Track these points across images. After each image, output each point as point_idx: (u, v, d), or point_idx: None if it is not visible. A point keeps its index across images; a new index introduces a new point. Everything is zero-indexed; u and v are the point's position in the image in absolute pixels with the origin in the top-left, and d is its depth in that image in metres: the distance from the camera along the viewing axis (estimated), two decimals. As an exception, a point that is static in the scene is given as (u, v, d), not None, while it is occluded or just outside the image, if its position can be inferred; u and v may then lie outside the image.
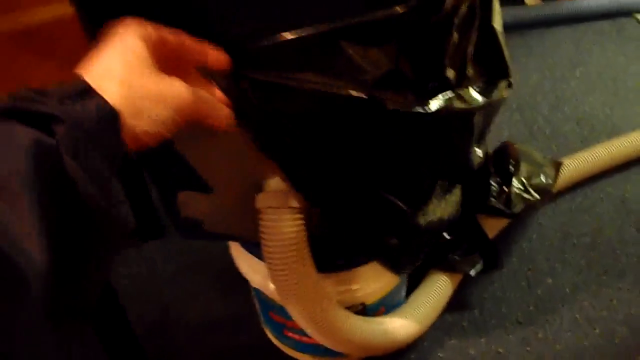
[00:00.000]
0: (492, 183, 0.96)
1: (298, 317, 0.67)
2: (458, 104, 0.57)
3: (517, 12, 1.49)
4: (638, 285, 0.91)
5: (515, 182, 0.96)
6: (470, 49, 0.58)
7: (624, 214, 1.02)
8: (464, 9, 0.54)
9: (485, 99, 0.61)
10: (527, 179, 0.99)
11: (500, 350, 0.85)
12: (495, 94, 0.63)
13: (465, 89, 0.58)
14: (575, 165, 1.06)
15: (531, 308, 0.90)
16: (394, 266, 0.70)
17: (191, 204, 0.66)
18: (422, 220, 0.66)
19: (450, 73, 0.56)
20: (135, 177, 0.98)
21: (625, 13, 1.52)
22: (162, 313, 0.94)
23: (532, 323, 0.88)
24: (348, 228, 0.64)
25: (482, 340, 0.86)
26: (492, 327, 0.87)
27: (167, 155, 0.60)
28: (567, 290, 0.91)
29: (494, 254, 0.90)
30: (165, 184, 0.67)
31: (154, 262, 1.01)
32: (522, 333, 0.87)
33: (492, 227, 0.96)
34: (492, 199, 0.94)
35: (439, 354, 0.85)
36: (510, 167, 0.99)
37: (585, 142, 1.16)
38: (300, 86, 0.51)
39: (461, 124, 0.61)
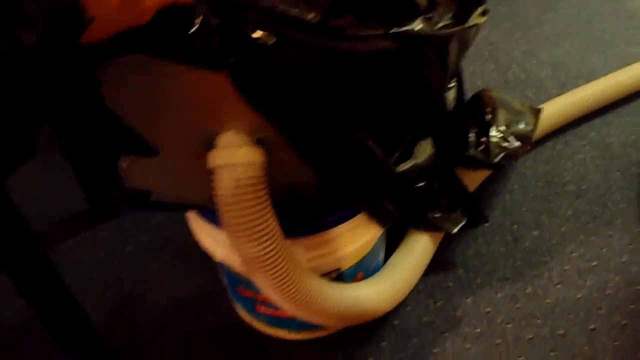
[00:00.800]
0: (469, 133, 0.90)
1: (266, 288, 0.60)
2: (428, 30, 0.50)
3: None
4: (628, 231, 0.86)
5: (493, 131, 0.90)
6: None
7: (608, 159, 0.97)
8: None
9: (459, 25, 0.54)
10: (506, 126, 0.93)
11: (488, 309, 0.79)
12: (470, 21, 0.56)
13: (437, 15, 0.51)
14: (554, 110, 1.00)
15: (518, 263, 0.84)
16: (373, 213, 0.64)
17: (135, 171, 0.58)
18: (396, 165, 0.60)
19: (419, -4, 0.49)
20: (83, 154, 0.89)
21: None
22: (123, 298, 0.86)
23: (520, 279, 0.82)
24: (322, 171, 0.57)
25: (469, 300, 0.80)
26: (478, 286, 0.82)
27: (101, 115, 0.52)
28: (554, 241, 0.86)
29: (475, 208, 0.84)
30: (104, 150, 0.59)
31: (110, 244, 0.93)
32: (510, 290, 0.81)
33: (472, 180, 0.90)
34: (471, 149, 0.88)
35: (423, 318, 0.79)
36: (487, 115, 0.92)
37: (563, 88, 1.10)
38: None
39: (433, 55, 0.54)
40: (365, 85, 0.51)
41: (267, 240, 0.56)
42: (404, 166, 0.63)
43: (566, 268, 0.83)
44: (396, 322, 0.78)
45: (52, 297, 0.66)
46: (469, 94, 0.96)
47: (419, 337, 0.77)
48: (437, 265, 0.83)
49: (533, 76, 1.13)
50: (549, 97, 1.04)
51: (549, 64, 1.16)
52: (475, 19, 0.57)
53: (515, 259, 0.85)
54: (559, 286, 0.81)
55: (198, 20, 0.46)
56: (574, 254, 0.84)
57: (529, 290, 0.81)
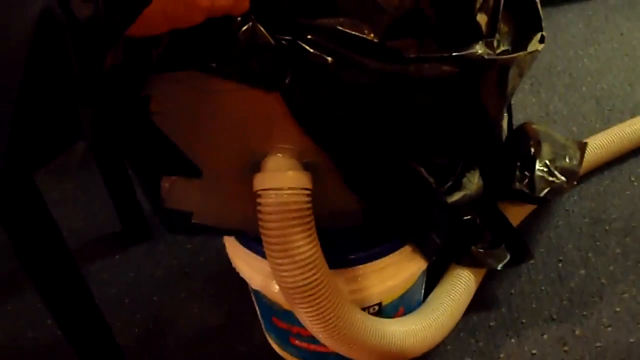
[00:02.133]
0: (513, 172, 0.87)
1: (306, 320, 0.57)
2: (490, 55, 0.48)
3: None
4: (683, 272, 0.82)
5: (538, 165, 0.87)
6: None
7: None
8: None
9: (519, 51, 0.51)
10: (551, 161, 0.89)
11: (534, 351, 0.75)
12: (529, 47, 0.53)
13: (498, 40, 0.49)
14: (600, 145, 0.97)
15: (565, 302, 0.80)
16: (419, 246, 0.60)
17: (177, 191, 0.56)
18: (447, 196, 0.57)
19: (482, 19, 0.47)
20: (118, 175, 0.88)
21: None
22: (152, 322, 0.84)
23: (568, 319, 0.78)
24: (369, 199, 0.54)
25: (513, 341, 0.76)
26: (523, 326, 0.78)
27: (146, 132, 0.51)
28: (604, 281, 0.82)
29: (520, 244, 0.80)
30: (146, 169, 0.57)
31: (141, 267, 0.91)
32: (557, 331, 0.77)
33: (516, 214, 0.86)
34: (516, 183, 0.85)
35: (464, 358, 0.75)
36: (532, 148, 0.89)
37: (607, 122, 1.07)
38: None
39: (493, 80, 0.51)
40: (423, 110, 0.49)
41: (311, 269, 0.54)
42: (455, 197, 0.60)
43: (617, 309, 0.79)
44: (436, 361, 0.75)
45: (82, 318, 0.64)
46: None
47: (460, 379, 0.73)
48: (480, 303, 0.80)
49: (576, 110, 1.10)
50: (592, 132, 1.01)
51: (592, 97, 1.13)
52: (534, 45, 0.55)
53: (562, 299, 0.81)
54: (610, 329, 0.77)
55: (252, 37, 0.45)
56: (625, 295, 0.80)
57: (578, 332, 0.77)
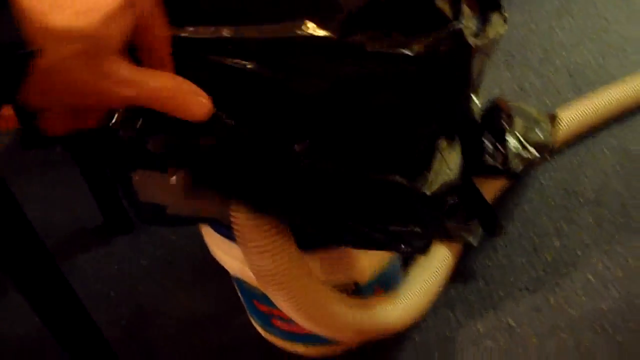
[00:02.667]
0: (486, 141, 0.88)
1: (281, 303, 0.59)
2: (454, 43, 0.48)
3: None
4: (652, 239, 0.84)
5: (510, 139, 0.89)
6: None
7: (629, 166, 0.94)
8: None
9: (484, 35, 0.52)
10: (523, 135, 0.91)
11: (511, 321, 0.77)
12: (492, 31, 0.54)
13: (462, 25, 0.50)
14: (572, 117, 0.98)
15: (540, 273, 0.82)
16: (410, 248, 0.61)
17: (149, 185, 0.57)
18: (426, 189, 0.57)
19: (443, 4, 0.47)
20: (96, 169, 0.89)
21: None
22: (137, 313, 0.85)
23: (543, 289, 0.80)
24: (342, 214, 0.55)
25: (490, 312, 0.78)
26: (500, 297, 0.80)
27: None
28: (578, 251, 0.84)
29: (493, 219, 0.82)
30: (117, 164, 0.58)
31: (125, 259, 0.92)
32: (533, 301, 0.79)
33: (490, 189, 0.88)
34: (489, 158, 0.86)
35: (445, 332, 0.77)
36: (504, 123, 0.91)
37: (580, 94, 1.08)
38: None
39: (459, 67, 0.52)
40: (389, 109, 0.49)
41: (282, 254, 0.55)
42: (434, 187, 0.59)
43: (590, 278, 0.81)
44: (417, 338, 0.77)
45: (65, 313, 0.65)
46: (484, 102, 0.95)
47: (440, 352, 0.75)
48: (458, 277, 0.81)
49: (550, 84, 1.12)
50: (567, 105, 1.03)
51: (566, 71, 1.14)
52: (496, 27, 0.56)
53: (537, 270, 0.83)
54: (583, 297, 0.79)
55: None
56: (597, 264, 0.82)
57: (552, 301, 0.79)
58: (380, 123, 0.50)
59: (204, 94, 0.39)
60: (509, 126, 0.91)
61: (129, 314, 0.86)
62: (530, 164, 0.86)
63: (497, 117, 0.92)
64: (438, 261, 0.79)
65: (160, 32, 0.39)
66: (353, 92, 0.46)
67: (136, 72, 0.36)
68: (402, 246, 0.59)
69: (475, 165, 0.85)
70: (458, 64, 0.50)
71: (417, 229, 0.58)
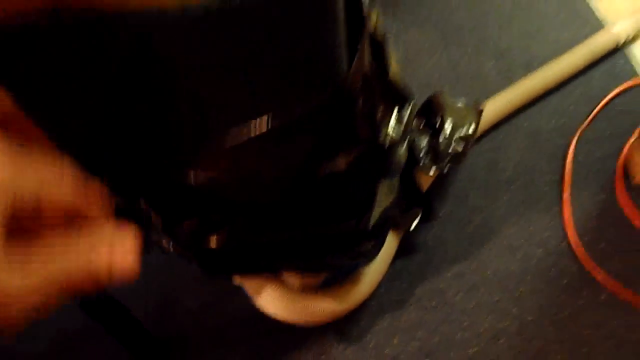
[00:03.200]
0: (421, 139, 1.12)
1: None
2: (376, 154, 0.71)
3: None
4: (549, 211, 1.10)
5: (441, 138, 1.12)
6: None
7: (538, 145, 1.19)
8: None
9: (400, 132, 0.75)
10: (453, 130, 1.14)
11: (441, 286, 1.04)
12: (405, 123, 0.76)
13: (384, 139, 0.72)
14: (495, 107, 1.21)
15: (466, 244, 1.08)
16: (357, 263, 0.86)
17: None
18: (369, 225, 0.80)
19: (364, 128, 0.69)
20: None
21: None
22: (160, 303, 1.11)
23: (467, 258, 1.07)
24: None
25: (426, 280, 1.05)
26: (434, 267, 1.06)
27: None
28: (493, 225, 1.10)
29: (428, 206, 1.07)
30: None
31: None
32: (459, 268, 1.06)
33: (424, 180, 1.12)
34: (423, 159, 1.10)
35: (392, 297, 1.04)
36: (437, 122, 1.14)
37: (506, 79, 1.30)
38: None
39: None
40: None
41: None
42: (374, 219, 0.83)
43: (502, 246, 1.07)
44: (373, 302, 1.04)
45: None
46: (426, 90, 1.18)
47: (390, 312, 1.03)
48: (403, 252, 1.08)
49: (480, 69, 1.33)
50: (493, 89, 1.25)
51: (494, 55, 1.35)
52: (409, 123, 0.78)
53: (464, 242, 1.09)
54: (495, 262, 1.06)
55: None
56: (508, 233, 1.09)
57: (473, 266, 1.06)
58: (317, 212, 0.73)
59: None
60: (440, 124, 1.14)
61: (153, 298, 1.12)
62: (458, 158, 1.10)
63: (432, 114, 1.15)
64: (387, 245, 1.05)
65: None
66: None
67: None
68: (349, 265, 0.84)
69: (411, 162, 1.09)
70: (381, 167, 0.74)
71: (362, 258, 0.83)
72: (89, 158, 0.48)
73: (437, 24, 1.43)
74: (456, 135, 1.13)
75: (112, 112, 0.49)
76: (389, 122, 0.72)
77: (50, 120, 0.48)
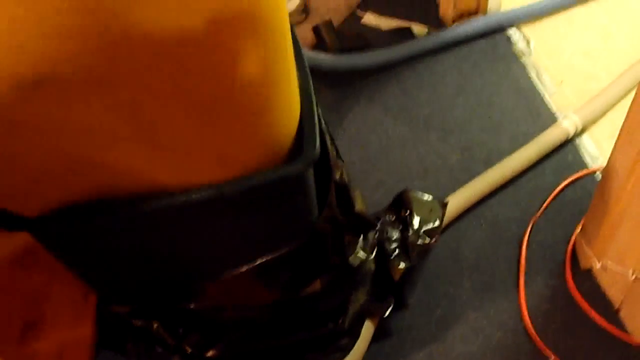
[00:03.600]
0: (392, 234, 1.27)
1: None
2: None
3: (406, 46, 1.74)
4: (507, 295, 1.24)
5: (410, 232, 1.27)
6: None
7: (497, 234, 1.34)
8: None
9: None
10: (420, 224, 1.29)
11: (411, 366, 1.18)
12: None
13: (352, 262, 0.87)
14: (458, 200, 1.37)
15: (434, 329, 1.22)
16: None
17: None
18: (345, 325, 0.93)
19: (335, 256, 0.85)
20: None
21: (500, 29, 1.79)
22: None
23: (435, 341, 1.21)
24: None
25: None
26: (407, 349, 1.20)
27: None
28: (459, 309, 1.24)
29: (400, 295, 1.21)
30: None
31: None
32: (428, 349, 1.20)
33: (397, 271, 1.27)
34: (394, 250, 1.24)
35: (369, 380, 1.17)
36: (406, 216, 1.29)
37: (468, 172, 1.46)
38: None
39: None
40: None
41: None
42: (348, 319, 0.97)
43: (466, 329, 1.21)
44: (352, 384, 1.17)
45: None
46: (397, 184, 1.33)
47: (367, 391, 1.16)
48: (380, 336, 1.21)
49: (446, 162, 1.49)
50: (457, 182, 1.41)
51: (458, 149, 1.52)
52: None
53: (432, 325, 1.23)
54: (460, 343, 1.20)
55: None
56: (471, 317, 1.23)
57: (440, 348, 1.20)
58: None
59: None
60: (410, 218, 1.29)
61: None
62: (425, 251, 1.25)
63: (401, 209, 1.30)
64: (365, 331, 1.19)
65: None
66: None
67: None
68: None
69: (383, 255, 1.24)
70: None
71: (340, 352, 0.97)
72: (114, 291, 0.63)
73: (409, 116, 1.60)
74: (423, 229, 1.29)
75: (136, 263, 0.65)
76: (356, 248, 0.88)
77: (86, 270, 0.63)
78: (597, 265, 1.17)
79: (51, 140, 0.47)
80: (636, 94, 0.92)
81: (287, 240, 0.70)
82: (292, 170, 0.59)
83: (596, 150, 1.46)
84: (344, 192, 0.82)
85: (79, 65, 0.40)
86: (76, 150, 0.49)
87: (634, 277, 1.07)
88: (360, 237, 0.89)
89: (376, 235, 0.91)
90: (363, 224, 0.90)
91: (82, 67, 0.40)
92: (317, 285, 0.79)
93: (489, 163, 1.45)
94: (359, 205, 0.89)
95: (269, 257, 0.69)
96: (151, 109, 0.47)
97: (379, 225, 1.09)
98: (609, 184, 1.06)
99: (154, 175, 0.54)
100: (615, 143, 1.02)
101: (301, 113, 0.62)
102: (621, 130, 0.98)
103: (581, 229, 1.27)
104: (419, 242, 1.26)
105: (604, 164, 1.39)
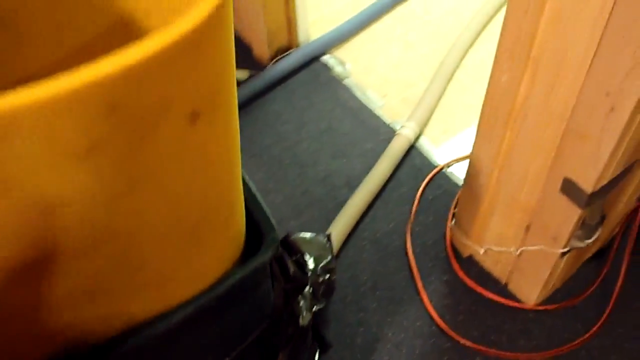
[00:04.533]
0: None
1: None
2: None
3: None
4: (413, 302, 1.31)
5: (309, 274, 1.28)
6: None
7: (383, 250, 1.41)
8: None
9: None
10: (315, 263, 1.31)
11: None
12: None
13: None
14: (337, 230, 1.41)
15: (360, 356, 1.25)
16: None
17: None
18: None
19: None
20: None
21: (316, 58, 1.87)
22: None
23: (361, 369, 1.23)
24: None
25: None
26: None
27: None
28: (376, 330, 1.28)
29: (321, 339, 1.22)
30: None
31: None
32: (359, 379, 1.22)
33: (311, 314, 1.28)
34: (304, 293, 1.25)
35: None
36: (299, 260, 1.30)
37: (335, 200, 1.51)
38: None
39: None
40: None
41: None
42: None
43: (390, 346, 1.26)
44: None
45: None
46: (282, 229, 1.33)
47: None
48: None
49: (312, 195, 1.53)
50: (331, 212, 1.45)
51: (318, 179, 1.57)
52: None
53: (357, 355, 1.26)
54: (386, 358, 1.24)
55: None
56: (389, 335, 1.28)
57: (370, 375, 1.23)
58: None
59: None
60: (303, 261, 1.30)
61: None
62: (331, 287, 1.27)
63: (292, 254, 1.31)
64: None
65: None
66: None
67: None
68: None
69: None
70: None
71: None
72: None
73: (261, 161, 1.61)
74: (320, 267, 1.31)
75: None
76: (301, 309, 0.88)
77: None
78: (481, 251, 1.28)
79: (26, 315, 0.41)
80: (485, 97, 1.04)
81: (257, 324, 0.68)
82: (263, 259, 0.58)
83: (437, 149, 1.60)
84: (280, 261, 0.82)
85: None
86: (51, 318, 0.43)
87: (518, 252, 1.19)
88: (299, 297, 0.88)
89: (311, 290, 0.91)
90: (300, 283, 0.89)
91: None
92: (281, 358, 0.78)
93: (351, 186, 1.52)
94: (292, 270, 0.88)
95: (242, 347, 0.67)
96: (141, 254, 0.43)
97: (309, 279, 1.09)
98: (476, 178, 1.17)
99: (131, 313, 0.50)
100: (474, 142, 1.13)
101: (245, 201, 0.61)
102: (478, 129, 1.09)
103: (455, 222, 1.38)
104: (321, 280, 1.28)
105: (448, 159, 1.53)
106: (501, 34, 0.93)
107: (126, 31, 0.49)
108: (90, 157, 0.34)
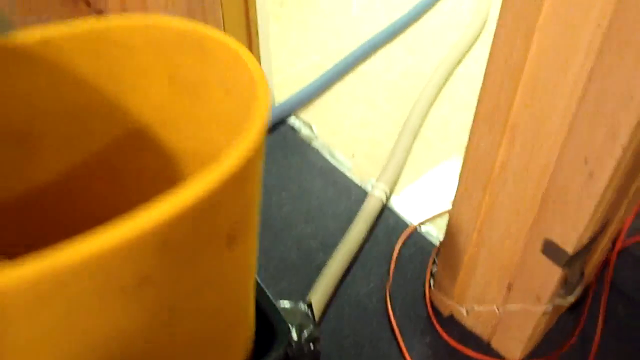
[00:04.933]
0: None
1: None
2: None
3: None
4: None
5: (293, 345, 1.27)
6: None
7: (364, 312, 1.40)
8: None
9: None
10: (299, 333, 1.30)
11: None
12: None
13: None
14: (319, 295, 1.40)
15: None
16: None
17: None
18: None
19: None
20: None
21: (282, 122, 1.89)
22: None
23: None
24: None
25: None
26: None
27: None
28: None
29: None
30: None
31: None
32: None
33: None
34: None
35: None
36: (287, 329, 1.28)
37: (312, 264, 1.51)
38: None
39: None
40: None
41: None
42: None
43: (377, 415, 1.24)
44: None
45: None
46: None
47: None
48: None
49: (287, 262, 1.52)
50: (308, 277, 1.44)
51: (293, 245, 1.56)
52: None
53: None
54: None
55: None
56: (377, 401, 1.26)
57: None
58: None
59: None
60: (290, 333, 1.28)
61: None
62: (316, 356, 1.25)
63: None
64: None
65: None
66: None
67: None
68: None
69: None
70: None
71: None
72: None
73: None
74: (304, 338, 1.29)
75: None
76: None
77: None
78: (463, 312, 1.29)
79: None
80: (464, 162, 1.06)
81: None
82: (278, 354, 0.57)
83: (408, 207, 1.62)
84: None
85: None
86: None
87: (500, 311, 1.20)
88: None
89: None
90: (284, 356, 0.88)
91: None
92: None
93: (326, 249, 1.52)
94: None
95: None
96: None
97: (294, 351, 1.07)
98: (455, 239, 1.19)
99: None
100: (453, 201, 1.15)
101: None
102: (457, 191, 1.12)
103: (435, 282, 1.39)
104: (306, 350, 1.26)
105: (421, 217, 1.55)
106: (478, 102, 0.96)
107: (139, 137, 0.48)
108: (138, 292, 0.33)
